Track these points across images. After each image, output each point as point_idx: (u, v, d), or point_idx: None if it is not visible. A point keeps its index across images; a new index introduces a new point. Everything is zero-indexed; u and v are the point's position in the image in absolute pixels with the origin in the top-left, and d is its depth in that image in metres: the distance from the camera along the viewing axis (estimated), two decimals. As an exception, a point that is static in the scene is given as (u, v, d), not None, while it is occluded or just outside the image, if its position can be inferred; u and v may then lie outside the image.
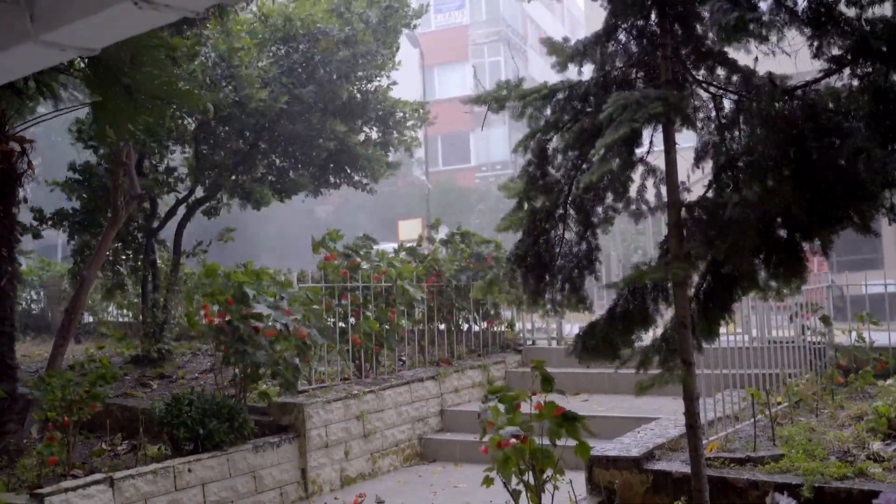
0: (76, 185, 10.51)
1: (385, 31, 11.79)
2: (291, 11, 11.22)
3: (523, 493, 4.46)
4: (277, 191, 12.12)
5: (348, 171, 12.33)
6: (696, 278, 4.24)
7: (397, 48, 12.25)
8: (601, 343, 4.24)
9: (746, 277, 3.95)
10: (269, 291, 7.36)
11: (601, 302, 10.82)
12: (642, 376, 4.26)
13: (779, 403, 6.66)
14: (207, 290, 7.19)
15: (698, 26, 4.14)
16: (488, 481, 4.51)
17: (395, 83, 12.53)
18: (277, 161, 12.00)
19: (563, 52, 4.29)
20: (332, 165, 12.05)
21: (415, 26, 12.85)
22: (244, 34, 10.58)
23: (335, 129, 11.10)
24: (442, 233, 11.10)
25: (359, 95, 11.88)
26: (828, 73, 3.60)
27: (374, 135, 12.19)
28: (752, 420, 5.73)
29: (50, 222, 10.49)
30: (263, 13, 11.21)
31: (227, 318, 7.04)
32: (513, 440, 4.38)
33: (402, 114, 12.46)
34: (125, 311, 13.84)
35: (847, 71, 3.57)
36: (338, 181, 12.56)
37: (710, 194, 4.03)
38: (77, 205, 10.59)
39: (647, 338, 4.45)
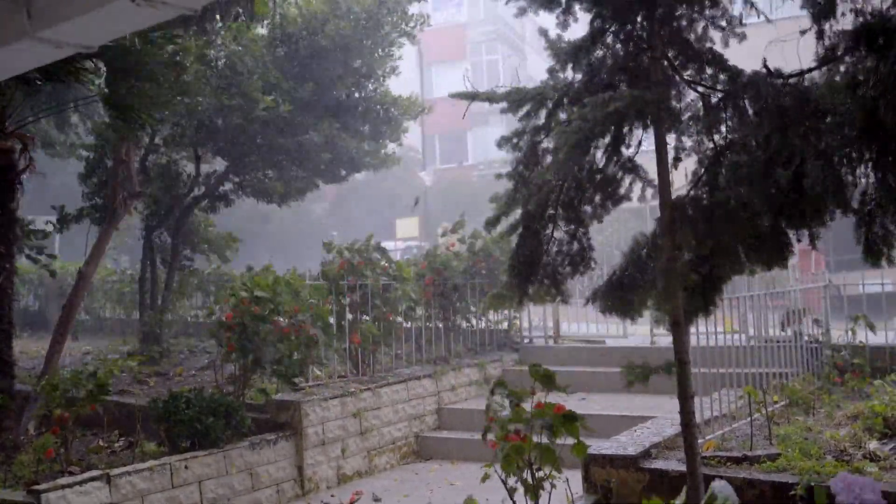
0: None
1: (379, 32, 11.72)
2: (287, 10, 11.21)
3: (520, 491, 4.47)
4: (278, 197, 12.19)
5: (343, 172, 12.36)
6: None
7: (398, 48, 12.20)
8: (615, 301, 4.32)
9: (731, 269, 4.01)
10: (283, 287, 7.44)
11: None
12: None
13: (775, 403, 6.67)
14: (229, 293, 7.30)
15: (685, 27, 4.16)
16: (485, 477, 4.52)
17: (393, 73, 12.44)
18: (275, 162, 12.01)
19: (559, 50, 4.31)
20: (323, 167, 12.04)
21: (413, 34, 12.77)
22: (252, 37, 10.56)
23: (332, 133, 11.08)
24: (452, 234, 11.17)
25: (356, 93, 11.87)
26: (822, 63, 3.60)
27: (366, 128, 12.17)
28: (749, 419, 5.74)
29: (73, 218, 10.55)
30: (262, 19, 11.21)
31: (234, 319, 7.10)
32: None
33: (395, 112, 12.44)
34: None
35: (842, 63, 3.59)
36: (335, 175, 12.56)
37: (698, 191, 4.04)
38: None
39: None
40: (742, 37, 4.12)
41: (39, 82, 7.05)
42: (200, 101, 9.65)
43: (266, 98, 10.01)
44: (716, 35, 4.18)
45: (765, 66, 3.84)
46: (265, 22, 11.00)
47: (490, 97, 4.35)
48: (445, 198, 34.62)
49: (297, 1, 11.29)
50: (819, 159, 3.44)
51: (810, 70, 3.65)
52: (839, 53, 3.49)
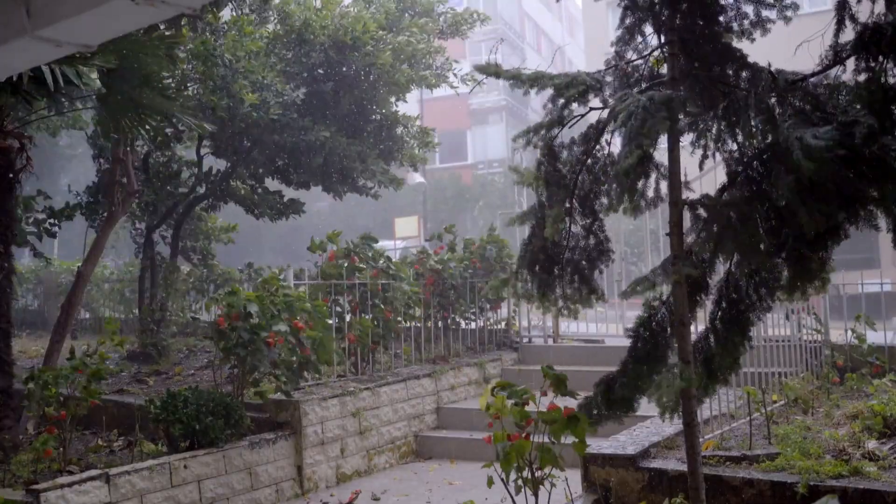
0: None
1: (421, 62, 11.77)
2: (309, 15, 11.17)
3: (522, 490, 4.48)
4: (278, 210, 12.15)
5: (354, 178, 12.30)
6: (709, 305, 4.25)
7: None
8: (626, 393, 4.23)
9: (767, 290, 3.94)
10: (277, 301, 7.37)
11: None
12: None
13: (775, 402, 6.67)
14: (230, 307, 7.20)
15: (708, 23, 4.14)
16: (490, 482, 4.53)
17: (399, 102, 12.50)
18: (278, 164, 11.97)
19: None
20: (332, 173, 12.02)
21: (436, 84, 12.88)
22: (256, 36, 10.50)
23: (334, 141, 11.04)
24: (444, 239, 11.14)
25: (366, 105, 11.85)
26: (828, 66, 3.58)
27: (375, 149, 12.10)
28: (748, 418, 5.74)
29: (63, 217, 10.54)
30: (284, 13, 11.15)
31: (231, 325, 7.03)
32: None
33: (403, 128, 12.43)
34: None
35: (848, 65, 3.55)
36: (343, 189, 12.51)
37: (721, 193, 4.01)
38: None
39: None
40: (795, 7, 4.06)
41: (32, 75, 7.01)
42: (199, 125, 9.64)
43: (250, 95, 9.91)
44: (770, 13, 4.10)
45: (769, 70, 3.82)
46: (267, 14, 10.98)
47: (499, 72, 4.29)
48: (444, 196, 34.65)
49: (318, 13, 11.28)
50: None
51: (814, 74, 3.63)
52: (844, 56, 3.47)
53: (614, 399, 4.22)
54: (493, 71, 4.30)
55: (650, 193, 4.28)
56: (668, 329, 4.20)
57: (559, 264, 4.36)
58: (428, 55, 11.94)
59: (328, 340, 7.61)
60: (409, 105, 13.25)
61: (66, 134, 11.95)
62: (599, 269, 4.47)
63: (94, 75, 6.71)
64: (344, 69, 11.29)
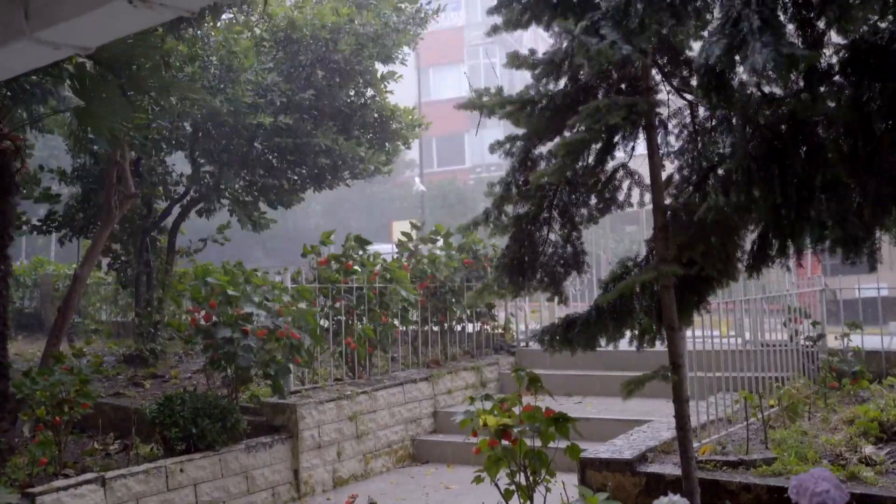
0: (73, 179, 10.58)
1: (386, 45, 11.71)
2: (295, 14, 11.20)
3: (515, 495, 4.48)
4: (270, 202, 12.11)
5: (344, 175, 12.27)
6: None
7: (401, 60, 12.23)
8: (586, 337, 4.37)
9: (721, 274, 4.05)
10: (257, 292, 7.34)
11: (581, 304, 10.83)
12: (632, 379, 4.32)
13: (771, 407, 6.67)
14: (197, 293, 7.13)
15: (674, 37, 4.17)
16: (478, 479, 4.55)
17: (391, 92, 12.47)
18: (273, 163, 11.95)
19: (530, 65, 4.32)
20: (326, 172, 12.01)
21: (415, 46, 12.80)
22: (244, 37, 10.51)
23: (330, 139, 11.02)
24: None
25: (358, 100, 11.84)
26: (811, 85, 3.58)
27: (367, 141, 12.06)
28: (745, 423, 5.74)
29: (42, 227, 10.51)
30: (266, 15, 11.17)
31: (212, 321, 6.99)
32: (504, 441, 4.42)
33: (398, 124, 12.43)
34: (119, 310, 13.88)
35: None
36: (333, 181, 12.50)
37: (689, 198, 4.05)
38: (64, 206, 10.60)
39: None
40: None
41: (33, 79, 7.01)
42: (193, 104, 9.59)
43: (264, 116, 9.94)
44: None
45: (759, 88, 3.83)
46: (257, 16, 10.98)
47: (481, 104, 4.36)
48: (442, 200, 34.69)
49: (305, 10, 11.28)
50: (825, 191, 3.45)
51: (801, 91, 3.63)
52: (834, 71, 3.48)
53: (573, 339, 4.48)
54: (471, 105, 4.41)
55: (621, 197, 4.39)
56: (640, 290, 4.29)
57: (532, 268, 4.47)
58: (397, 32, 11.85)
59: (310, 315, 7.59)
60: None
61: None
62: (575, 274, 4.62)
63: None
64: (331, 61, 11.27)
